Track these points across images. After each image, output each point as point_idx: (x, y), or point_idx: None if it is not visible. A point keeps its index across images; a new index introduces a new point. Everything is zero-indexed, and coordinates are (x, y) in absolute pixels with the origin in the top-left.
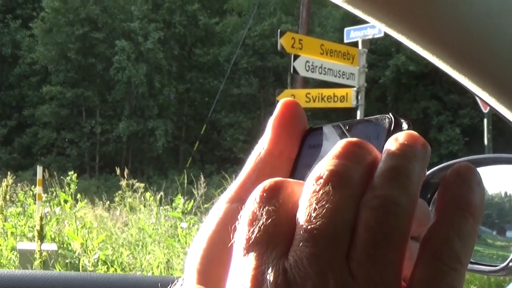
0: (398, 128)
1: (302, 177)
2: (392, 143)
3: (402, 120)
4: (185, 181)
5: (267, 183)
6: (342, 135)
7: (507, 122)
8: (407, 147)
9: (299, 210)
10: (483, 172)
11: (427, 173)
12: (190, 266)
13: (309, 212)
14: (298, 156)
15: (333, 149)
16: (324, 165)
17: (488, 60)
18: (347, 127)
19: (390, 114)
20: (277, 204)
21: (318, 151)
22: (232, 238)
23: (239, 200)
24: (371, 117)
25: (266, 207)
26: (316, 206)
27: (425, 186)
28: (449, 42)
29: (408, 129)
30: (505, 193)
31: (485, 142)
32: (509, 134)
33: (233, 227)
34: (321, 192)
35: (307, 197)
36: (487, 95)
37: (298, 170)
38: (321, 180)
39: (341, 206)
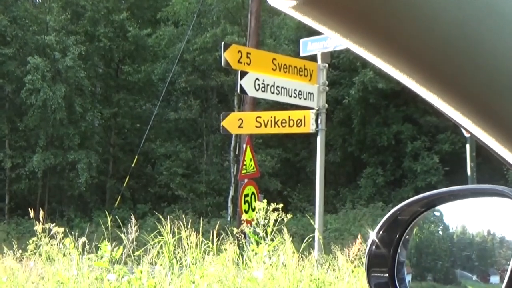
0: None
1: None
2: None
3: None
4: (112, 225)
5: None
6: None
7: (490, 151)
8: None
9: None
10: (463, 206)
11: (395, 208)
12: None
13: None
14: None
15: None
16: None
17: (465, 77)
18: None
19: None
20: None
21: None
22: None
23: None
24: None
25: None
26: None
27: (392, 224)
28: (417, 55)
29: None
30: (488, 231)
31: (468, 171)
32: (496, 162)
33: None
34: None
35: None
36: (464, 119)
37: None
38: None
39: None
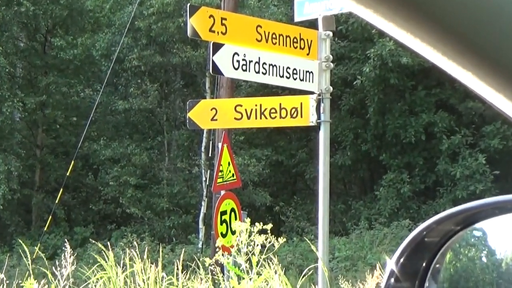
0: None
1: None
2: None
3: None
4: (40, 256)
5: None
6: None
7: None
8: None
9: None
10: None
11: (421, 227)
12: None
13: None
14: None
15: None
16: None
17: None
18: None
19: None
20: None
21: None
22: None
23: None
24: None
25: None
26: None
27: (417, 248)
28: (447, 22)
29: None
30: None
31: None
32: None
33: None
34: None
35: None
36: (510, 103)
37: None
38: None
39: None
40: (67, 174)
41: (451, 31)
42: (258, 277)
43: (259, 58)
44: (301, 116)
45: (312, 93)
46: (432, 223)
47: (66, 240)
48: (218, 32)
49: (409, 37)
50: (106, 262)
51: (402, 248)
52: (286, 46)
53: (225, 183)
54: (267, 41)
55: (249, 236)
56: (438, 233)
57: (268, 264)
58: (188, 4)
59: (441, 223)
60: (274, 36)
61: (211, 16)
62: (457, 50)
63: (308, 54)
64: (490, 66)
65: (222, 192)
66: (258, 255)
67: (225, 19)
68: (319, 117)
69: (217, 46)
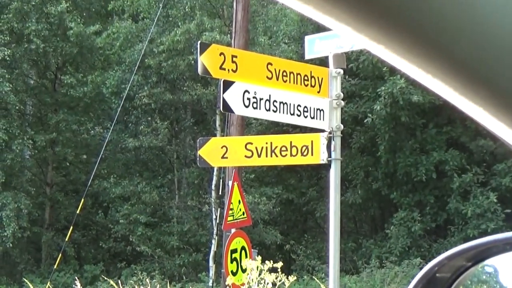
0: None
1: None
2: None
3: None
4: None
5: None
6: None
7: None
8: None
9: None
10: None
11: (433, 263)
12: None
13: None
14: None
15: None
16: None
17: None
18: None
19: None
20: None
21: None
22: None
23: None
24: None
25: None
26: None
27: (430, 283)
28: (460, 57)
29: None
30: None
31: None
32: None
33: None
34: None
35: None
36: None
37: None
38: None
39: None
40: (77, 212)
41: (462, 66)
42: None
43: (269, 95)
44: (312, 154)
45: (322, 131)
46: (444, 259)
47: (76, 278)
48: (228, 70)
49: (420, 72)
50: None
51: (414, 284)
52: (296, 83)
53: (235, 221)
54: (277, 79)
55: (260, 274)
56: (450, 269)
57: None
58: (199, 42)
59: (453, 259)
60: (284, 73)
61: (221, 53)
62: (468, 85)
63: (318, 92)
64: (501, 102)
65: (233, 230)
66: None
67: (236, 56)
68: (329, 155)
69: (228, 84)
